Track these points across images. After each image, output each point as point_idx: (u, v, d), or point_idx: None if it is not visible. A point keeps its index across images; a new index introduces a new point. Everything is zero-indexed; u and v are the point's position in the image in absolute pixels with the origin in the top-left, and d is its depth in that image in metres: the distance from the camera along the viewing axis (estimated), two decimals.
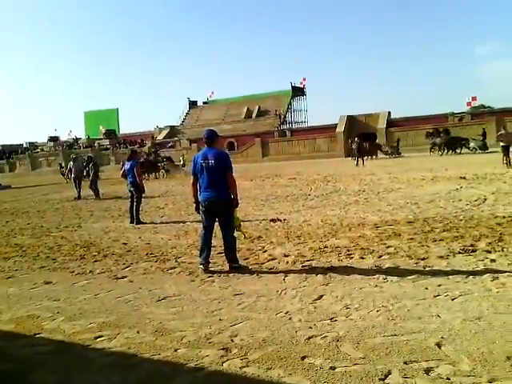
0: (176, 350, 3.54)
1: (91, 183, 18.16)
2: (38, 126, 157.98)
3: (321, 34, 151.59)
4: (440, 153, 31.24)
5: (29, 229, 10.94)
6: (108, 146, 60.09)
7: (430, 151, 32.33)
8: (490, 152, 27.73)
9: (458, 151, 31.01)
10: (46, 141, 69.11)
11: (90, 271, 6.30)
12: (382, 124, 44.47)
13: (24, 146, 71.41)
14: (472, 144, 31.37)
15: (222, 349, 3.49)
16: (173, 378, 3.08)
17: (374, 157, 32.80)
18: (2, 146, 64.86)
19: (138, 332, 3.97)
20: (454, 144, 31.24)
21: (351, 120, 46.29)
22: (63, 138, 70.90)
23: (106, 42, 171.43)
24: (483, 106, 47.15)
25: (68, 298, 5.13)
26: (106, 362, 3.46)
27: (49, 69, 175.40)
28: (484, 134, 31.98)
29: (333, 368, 3.08)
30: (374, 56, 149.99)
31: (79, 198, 18.05)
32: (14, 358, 3.66)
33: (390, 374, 2.94)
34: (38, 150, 66.71)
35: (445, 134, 31.75)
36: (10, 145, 70.17)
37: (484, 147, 30.71)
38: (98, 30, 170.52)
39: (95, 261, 6.94)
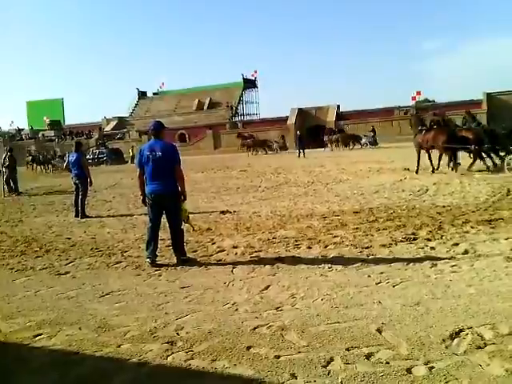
0: (119, 346, 3.45)
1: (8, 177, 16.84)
2: None
3: (272, 27, 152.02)
4: (331, 148, 34.88)
5: None
6: (53, 138, 57.80)
7: (326, 146, 36.27)
8: (380, 147, 32.25)
9: (350, 147, 34.24)
10: None
11: (31, 267, 6.04)
12: (331, 117, 45.39)
13: None
14: (363, 140, 35.31)
15: (167, 342, 3.44)
16: (115, 375, 3.00)
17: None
18: None
19: (79, 329, 3.84)
20: (347, 140, 34.92)
21: (302, 112, 46.91)
22: (5, 128, 67.48)
23: (48, 27, 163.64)
24: (427, 100, 49.10)
25: (6, 295, 4.89)
26: (45, 361, 3.32)
27: None
28: (374, 131, 36.19)
29: (277, 357, 3.11)
30: (325, 49, 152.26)
31: (17, 192, 17.04)
32: None
33: (332, 360, 3.00)
34: None
35: (339, 132, 36.10)
36: None
37: (374, 143, 34.81)
38: (41, 13, 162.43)
39: (37, 257, 6.66)
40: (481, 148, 12.96)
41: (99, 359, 3.27)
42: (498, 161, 13.04)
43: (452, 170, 13.22)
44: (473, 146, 12.86)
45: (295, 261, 5.47)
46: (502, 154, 12.88)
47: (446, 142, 12.89)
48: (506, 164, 12.44)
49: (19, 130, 65.04)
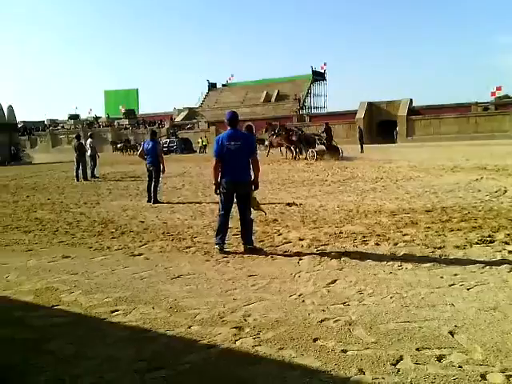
0: (190, 327, 3.60)
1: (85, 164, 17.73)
2: (59, 103, 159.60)
3: (343, 19, 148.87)
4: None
5: (49, 204, 11.14)
6: (127, 126, 60.48)
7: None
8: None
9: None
10: (66, 118, 69.77)
11: (108, 247, 6.41)
12: (403, 112, 43.89)
13: (45, 123, 72.25)
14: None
15: (235, 327, 3.54)
16: (186, 354, 3.13)
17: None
18: (24, 122, 65.63)
19: (153, 308, 4.04)
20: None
21: (371, 107, 45.72)
22: (83, 116, 71.51)
23: (128, 22, 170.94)
24: (507, 96, 46.04)
25: (86, 272, 5.24)
26: (121, 335, 3.53)
27: (71, 47, 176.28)
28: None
29: (344, 351, 3.10)
30: (397, 42, 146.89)
31: (94, 176, 18.04)
32: (32, 327, 3.76)
33: (401, 359, 2.94)
34: (59, 127, 67.45)
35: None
36: (32, 121, 71.01)
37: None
38: (122, 10, 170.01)
39: (113, 237, 7.04)
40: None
41: (171, 338, 3.43)
42: None
43: None
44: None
45: (363, 257, 5.38)
46: None
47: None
48: None
49: (96, 118, 68.71)
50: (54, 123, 71.24)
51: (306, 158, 22.52)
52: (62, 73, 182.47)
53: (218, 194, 6.08)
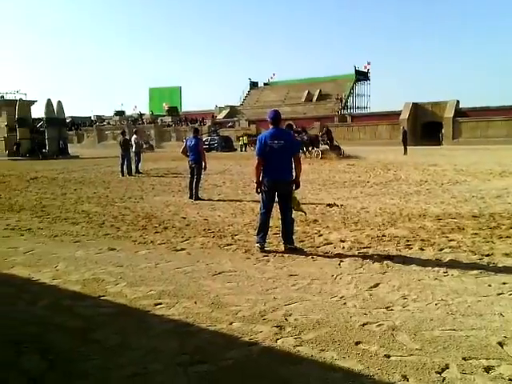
0: (231, 324, 3.63)
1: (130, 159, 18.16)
2: (105, 99, 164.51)
3: (387, 17, 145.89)
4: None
5: (95, 198, 11.52)
6: (170, 123, 61.61)
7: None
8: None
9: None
10: (112, 114, 71.80)
11: (151, 241, 6.56)
12: (449, 113, 42.65)
13: (92, 118, 74.63)
14: None
15: (276, 326, 3.55)
16: (228, 350, 3.17)
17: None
18: (72, 117, 67.97)
19: (195, 303, 4.11)
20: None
21: (416, 107, 44.63)
22: (128, 112, 73.35)
23: (171, 21, 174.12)
24: None
25: (130, 265, 5.38)
26: (164, 328, 3.61)
27: (118, 45, 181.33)
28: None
29: (387, 356, 3.05)
30: (444, 41, 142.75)
31: (138, 171, 18.49)
32: (80, 316, 3.90)
33: (447, 367, 2.87)
34: (105, 123, 69.50)
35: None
36: (80, 117, 73.51)
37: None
38: (167, 9, 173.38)
39: (156, 232, 7.20)
40: None
41: (213, 333, 3.47)
42: None
43: None
44: None
45: (406, 261, 5.27)
46: None
47: None
48: None
49: (141, 115, 70.34)
50: (100, 119, 73.47)
51: (310, 157, 24.96)
52: (109, 70, 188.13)
53: (259, 193, 6.10)
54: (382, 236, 6.53)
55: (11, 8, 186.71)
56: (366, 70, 62.88)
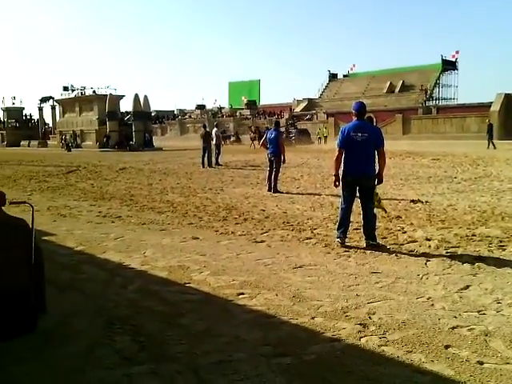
0: (313, 318, 3.61)
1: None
2: (187, 94, 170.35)
3: (477, 3, 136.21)
4: None
5: (178, 188, 11.99)
6: (248, 116, 62.37)
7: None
8: None
9: None
10: (193, 108, 74.09)
11: (232, 232, 6.70)
12: None
13: (175, 112, 77.58)
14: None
15: (360, 324, 3.47)
16: (310, 345, 3.16)
17: None
18: (156, 111, 71.04)
19: (276, 295, 4.14)
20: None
21: (509, 99, 41.40)
22: (209, 106, 75.29)
23: (251, 14, 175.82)
24: None
25: (213, 254, 5.54)
26: (246, 318, 3.68)
27: (199, 41, 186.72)
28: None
29: (480, 363, 2.87)
30: None
31: (218, 163, 18.95)
32: (167, 301, 4.08)
33: None
34: (187, 116, 71.93)
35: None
36: (163, 110, 76.71)
37: None
38: (244, 2, 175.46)
39: (236, 223, 7.35)
40: None
41: (295, 327, 3.48)
42: None
43: None
44: None
45: (500, 263, 4.92)
46: None
47: None
48: None
49: (220, 108, 71.90)
50: (182, 112, 76.10)
51: None
52: (192, 65, 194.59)
53: (336, 187, 6.00)
54: (472, 235, 6.15)
55: (108, 10, 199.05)
56: (454, 59, 59.31)
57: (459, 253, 5.39)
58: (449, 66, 58.90)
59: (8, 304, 3.25)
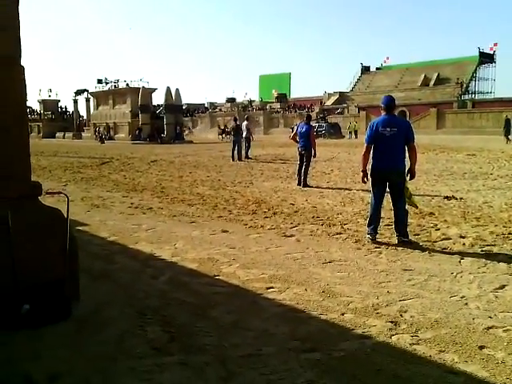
0: (343, 314, 3.58)
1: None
2: (218, 87, 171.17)
3: None
4: None
5: (208, 181, 12.07)
6: (278, 110, 62.17)
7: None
8: None
9: None
10: (224, 101, 74.39)
11: (261, 226, 6.70)
12: None
13: (205, 105, 78.12)
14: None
15: (391, 322, 3.42)
16: (340, 341, 3.12)
17: None
18: (188, 104, 71.62)
19: (305, 290, 4.11)
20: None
21: None
22: (239, 99, 75.42)
23: (282, 7, 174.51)
24: None
25: (242, 247, 5.55)
26: (275, 312, 3.67)
27: (231, 34, 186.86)
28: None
29: None
30: None
31: (247, 157, 18.99)
32: (196, 293, 4.11)
33: None
34: (217, 109, 72.30)
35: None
36: (194, 104, 77.33)
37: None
38: None
39: (265, 217, 7.34)
40: None
41: (324, 322, 3.45)
42: None
43: None
44: None
45: None
46: None
47: None
48: None
49: (251, 102, 71.91)
50: (212, 106, 76.56)
51: None
52: (223, 59, 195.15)
53: (364, 183, 5.92)
54: (509, 234, 5.96)
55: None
56: (491, 52, 57.46)
57: (495, 251, 5.23)
58: (486, 58, 57.18)
59: (44, 292, 3.35)
